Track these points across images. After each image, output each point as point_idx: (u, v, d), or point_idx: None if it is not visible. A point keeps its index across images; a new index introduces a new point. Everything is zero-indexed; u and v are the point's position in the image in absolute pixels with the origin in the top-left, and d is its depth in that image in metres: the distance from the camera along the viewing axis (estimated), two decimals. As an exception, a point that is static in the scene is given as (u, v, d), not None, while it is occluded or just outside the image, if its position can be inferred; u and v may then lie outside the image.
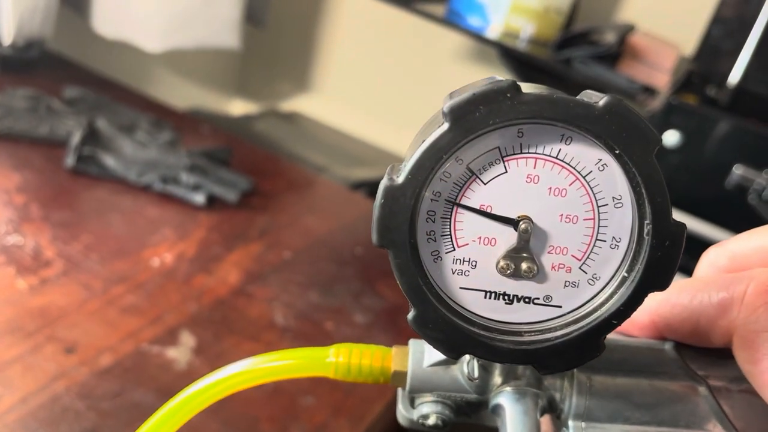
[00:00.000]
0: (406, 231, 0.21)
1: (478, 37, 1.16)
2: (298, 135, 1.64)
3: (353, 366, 0.27)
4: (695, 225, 0.92)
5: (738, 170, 0.90)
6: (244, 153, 1.11)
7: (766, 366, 0.22)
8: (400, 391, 0.28)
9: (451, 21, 1.18)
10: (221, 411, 0.63)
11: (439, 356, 0.27)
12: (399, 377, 0.27)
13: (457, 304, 0.23)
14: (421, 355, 0.27)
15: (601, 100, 0.20)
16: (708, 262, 0.27)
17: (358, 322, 0.80)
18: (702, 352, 0.26)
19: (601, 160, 0.21)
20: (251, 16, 1.41)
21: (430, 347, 0.27)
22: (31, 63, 1.18)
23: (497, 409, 0.26)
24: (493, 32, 1.16)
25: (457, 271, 0.23)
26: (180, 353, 0.68)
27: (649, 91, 1.02)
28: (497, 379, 0.26)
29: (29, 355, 0.63)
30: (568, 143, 0.21)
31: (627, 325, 0.27)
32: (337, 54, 1.63)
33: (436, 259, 0.23)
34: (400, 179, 0.21)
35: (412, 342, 0.28)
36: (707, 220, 0.92)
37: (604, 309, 0.22)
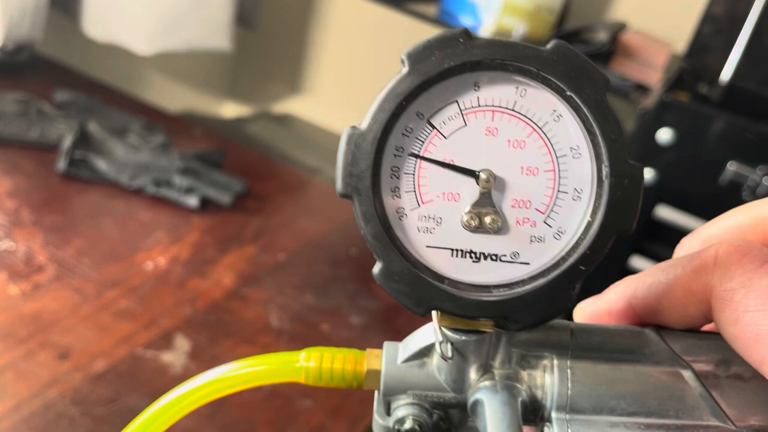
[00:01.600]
0: (369, 178, 0.22)
1: (470, 36, 1.16)
2: (291, 137, 1.63)
3: (324, 370, 0.26)
4: (690, 222, 0.92)
5: (732, 167, 0.90)
6: (237, 155, 1.10)
7: (747, 322, 0.21)
8: (375, 398, 0.27)
9: (443, 21, 1.18)
10: (218, 415, 0.62)
11: (414, 350, 0.26)
12: (372, 377, 0.26)
13: (423, 260, 0.23)
14: (395, 353, 0.26)
15: (548, 44, 0.21)
16: (682, 250, 0.27)
17: (354, 323, 0.79)
18: (683, 335, 0.25)
19: (555, 110, 0.22)
20: (242, 18, 1.40)
21: (404, 345, 0.26)
22: (21, 67, 1.17)
23: (476, 407, 0.25)
24: (484, 32, 1.16)
25: (422, 229, 0.23)
26: (175, 357, 0.67)
27: (642, 88, 1.02)
28: (474, 374, 0.25)
29: (22, 361, 0.62)
30: (522, 95, 0.22)
31: (603, 314, 0.26)
32: (329, 55, 1.63)
33: (402, 216, 0.22)
34: (362, 125, 0.22)
35: (386, 343, 0.27)
36: (702, 217, 0.92)
37: (571, 257, 0.22)
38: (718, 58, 1.18)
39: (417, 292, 0.22)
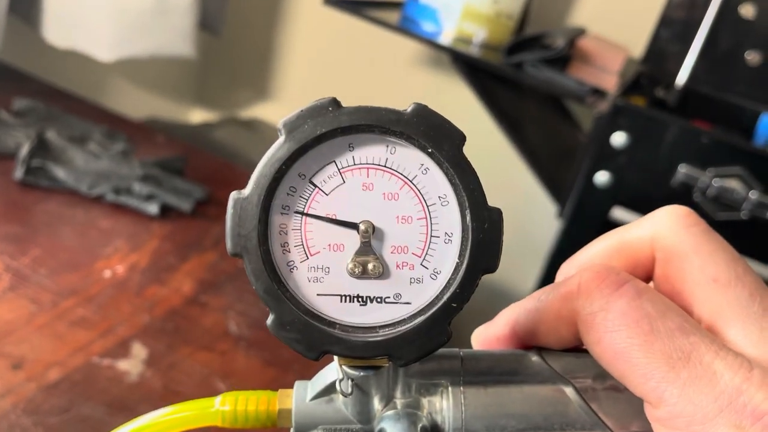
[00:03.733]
0: (256, 238, 0.23)
1: (431, 43, 1.17)
2: (257, 142, 1.63)
3: (239, 413, 0.28)
4: (644, 223, 0.94)
5: (683, 169, 0.92)
6: (199, 161, 1.10)
7: (607, 343, 0.23)
8: None
9: (405, 28, 1.19)
10: None
11: (321, 387, 0.27)
12: (285, 415, 0.28)
13: (314, 308, 0.25)
14: (305, 392, 0.28)
15: (409, 107, 0.24)
16: (560, 276, 0.29)
17: (314, 328, 0.80)
18: (562, 354, 0.27)
19: (423, 164, 0.24)
20: (206, 24, 1.40)
21: (313, 383, 0.28)
22: (-21, 74, 1.16)
23: None
24: (446, 38, 1.17)
25: (312, 279, 0.24)
26: (132, 365, 0.67)
27: (599, 93, 1.04)
28: (378, 405, 0.27)
29: (-26, 372, 0.62)
30: (393, 152, 0.24)
31: (492, 340, 0.29)
32: (295, 61, 1.63)
33: (293, 269, 0.24)
34: (246, 191, 0.24)
35: (297, 383, 0.29)
36: (655, 219, 0.94)
37: (444, 295, 0.24)
38: (675, 63, 1.21)
39: (308, 339, 0.24)
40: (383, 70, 1.51)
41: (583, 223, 0.99)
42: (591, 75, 1.10)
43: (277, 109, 1.66)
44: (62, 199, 0.91)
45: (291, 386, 0.29)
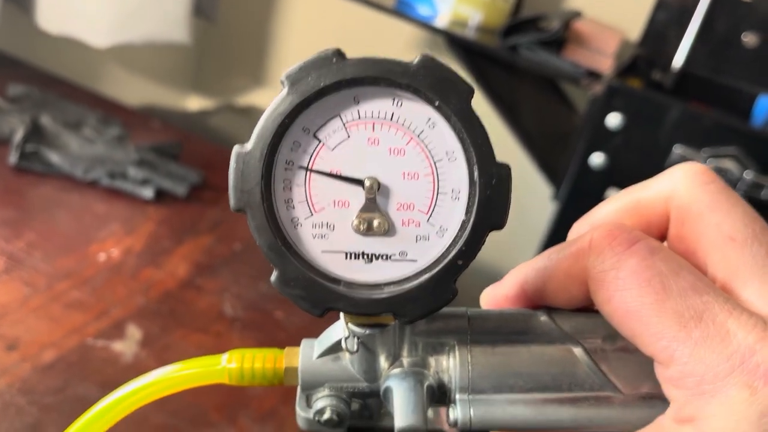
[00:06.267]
0: (259, 193, 0.23)
1: (426, 26, 1.17)
2: (253, 129, 1.63)
3: (246, 370, 0.27)
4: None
5: (678, 150, 0.92)
6: (195, 147, 1.10)
7: (618, 301, 0.23)
8: (298, 393, 0.28)
9: (401, 11, 1.18)
10: (168, 402, 0.62)
11: (328, 345, 0.27)
12: (291, 374, 0.28)
13: (318, 265, 0.24)
14: (311, 350, 0.28)
15: (415, 59, 0.23)
16: (572, 235, 0.28)
17: (309, 310, 0.80)
18: (572, 314, 0.27)
19: (430, 119, 0.23)
20: (201, 11, 1.39)
21: (320, 341, 0.28)
22: (-27, 61, 1.15)
23: (387, 393, 0.27)
24: (441, 21, 1.17)
25: (317, 235, 0.24)
26: (126, 346, 0.67)
27: (594, 75, 1.04)
28: (384, 364, 0.27)
29: (-32, 353, 0.62)
30: (399, 106, 0.23)
31: (501, 299, 0.28)
32: (291, 47, 1.62)
33: (297, 225, 0.24)
34: (249, 145, 0.23)
35: (303, 341, 0.28)
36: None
37: (450, 253, 0.24)
38: (671, 46, 1.20)
39: (312, 295, 0.24)
40: (379, 53, 1.51)
41: (579, 205, 0.99)
42: (586, 57, 1.09)
43: (273, 95, 1.65)
44: (57, 183, 0.91)
45: None
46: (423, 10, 1.19)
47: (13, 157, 0.90)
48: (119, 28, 1.21)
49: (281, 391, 0.67)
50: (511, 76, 1.16)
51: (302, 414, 0.28)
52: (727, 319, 0.22)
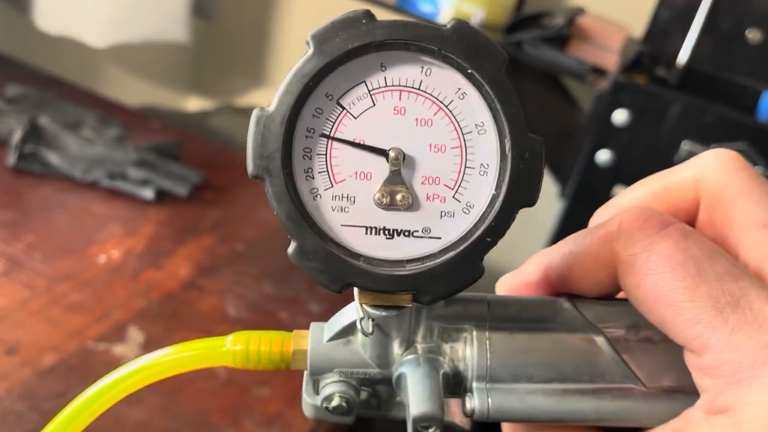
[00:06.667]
0: (279, 159, 0.22)
1: (429, 23, 1.16)
2: (254, 129, 1.62)
3: (251, 353, 0.26)
4: (646, 202, 0.92)
5: (686, 146, 0.91)
6: (196, 147, 1.09)
7: (649, 285, 0.22)
8: (305, 379, 0.27)
9: (403, 8, 1.17)
10: (172, 406, 0.61)
11: (339, 328, 0.26)
12: (299, 357, 0.26)
13: (338, 239, 0.23)
14: (321, 333, 0.26)
15: (449, 23, 0.22)
16: (595, 221, 0.27)
17: (314, 311, 0.79)
18: (595, 302, 0.26)
19: (460, 89, 0.22)
20: (200, 10, 1.38)
21: (330, 324, 0.26)
22: (-30, 62, 1.14)
23: (400, 380, 0.25)
24: (443, 18, 1.15)
25: (337, 208, 0.23)
26: (128, 349, 0.66)
27: (599, 71, 1.03)
28: (397, 350, 0.25)
29: (-33, 357, 0.60)
30: (428, 74, 0.22)
31: (521, 286, 0.27)
32: (291, 47, 1.61)
33: (316, 197, 0.23)
34: (270, 108, 0.22)
35: (312, 324, 0.27)
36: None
37: (478, 229, 0.23)
38: (675, 42, 1.19)
39: (332, 270, 0.22)
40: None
41: (585, 203, 0.98)
42: (591, 54, 1.08)
43: (273, 95, 1.65)
44: (56, 184, 0.90)
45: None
46: (425, 7, 1.18)
47: (11, 159, 0.88)
48: (117, 28, 1.20)
49: (286, 394, 0.66)
50: (515, 72, 1.15)
51: (309, 401, 0.26)
52: (765, 306, 0.21)
